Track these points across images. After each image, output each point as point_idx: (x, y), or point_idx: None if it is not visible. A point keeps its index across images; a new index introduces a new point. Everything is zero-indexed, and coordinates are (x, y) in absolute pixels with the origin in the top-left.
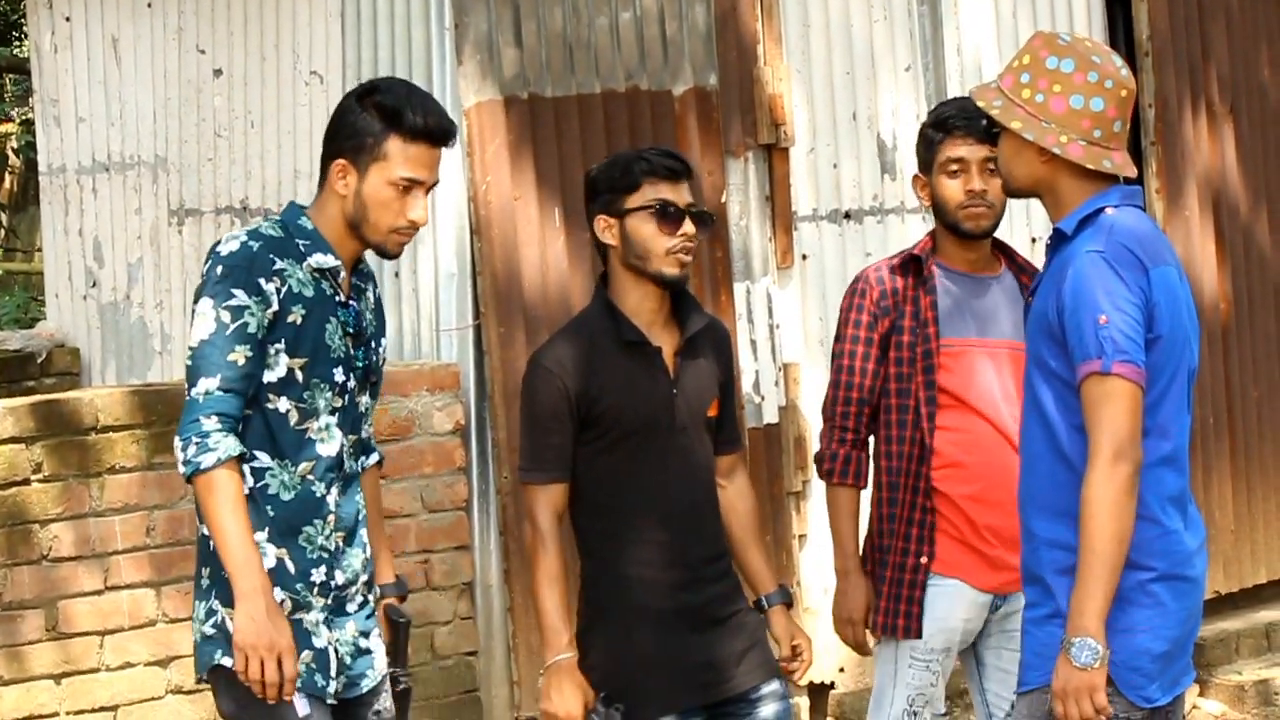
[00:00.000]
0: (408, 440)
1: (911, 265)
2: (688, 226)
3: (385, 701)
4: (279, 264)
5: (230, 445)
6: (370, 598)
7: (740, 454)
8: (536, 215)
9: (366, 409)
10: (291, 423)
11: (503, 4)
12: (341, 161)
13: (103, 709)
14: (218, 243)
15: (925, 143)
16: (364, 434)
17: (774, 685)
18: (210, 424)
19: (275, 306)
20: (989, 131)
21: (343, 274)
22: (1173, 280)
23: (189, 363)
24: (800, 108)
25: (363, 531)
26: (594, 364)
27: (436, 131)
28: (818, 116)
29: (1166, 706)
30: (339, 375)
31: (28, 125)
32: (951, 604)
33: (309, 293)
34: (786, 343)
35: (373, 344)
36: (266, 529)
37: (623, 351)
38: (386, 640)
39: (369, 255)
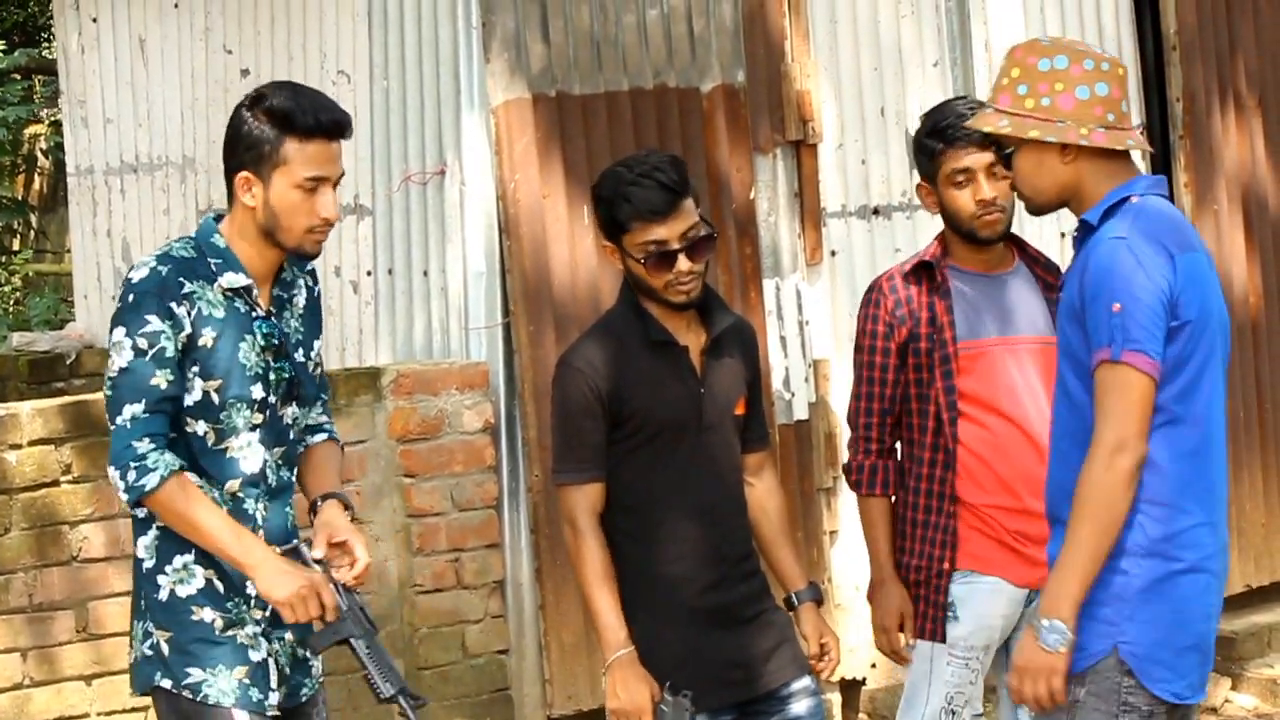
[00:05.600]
0: (437, 439)
1: (924, 271)
2: (682, 264)
3: (323, 711)
4: (188, 287)
5: (169, 460)
6: None
7: (768, 452)
8: (565, 213)
9: (295, 419)
10: (210, 444)
11: (530, 2)
12: (244, 174)
13: (134, 710)
14: (132, 268)
15: (926, 153)
16: (313, 419)
17: (805, 681)
18: (144, 445)
19: (188, 329)
20: (999, 152)
21: (256, 291)
22: (1201, 267)
23: (109, 392)
24: (828, 104)
25: (295, 541)
26: (622, 364)
27: (329, 126)
28: (846, 112)
29: (1188, 707)
30: (257, 392)
31: (56, 126)
32: (991, 602)
33: (219, 314)
34: (816, 339)
35: (299, 353)
36: (193, 550)
37: (650, 351)
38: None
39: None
